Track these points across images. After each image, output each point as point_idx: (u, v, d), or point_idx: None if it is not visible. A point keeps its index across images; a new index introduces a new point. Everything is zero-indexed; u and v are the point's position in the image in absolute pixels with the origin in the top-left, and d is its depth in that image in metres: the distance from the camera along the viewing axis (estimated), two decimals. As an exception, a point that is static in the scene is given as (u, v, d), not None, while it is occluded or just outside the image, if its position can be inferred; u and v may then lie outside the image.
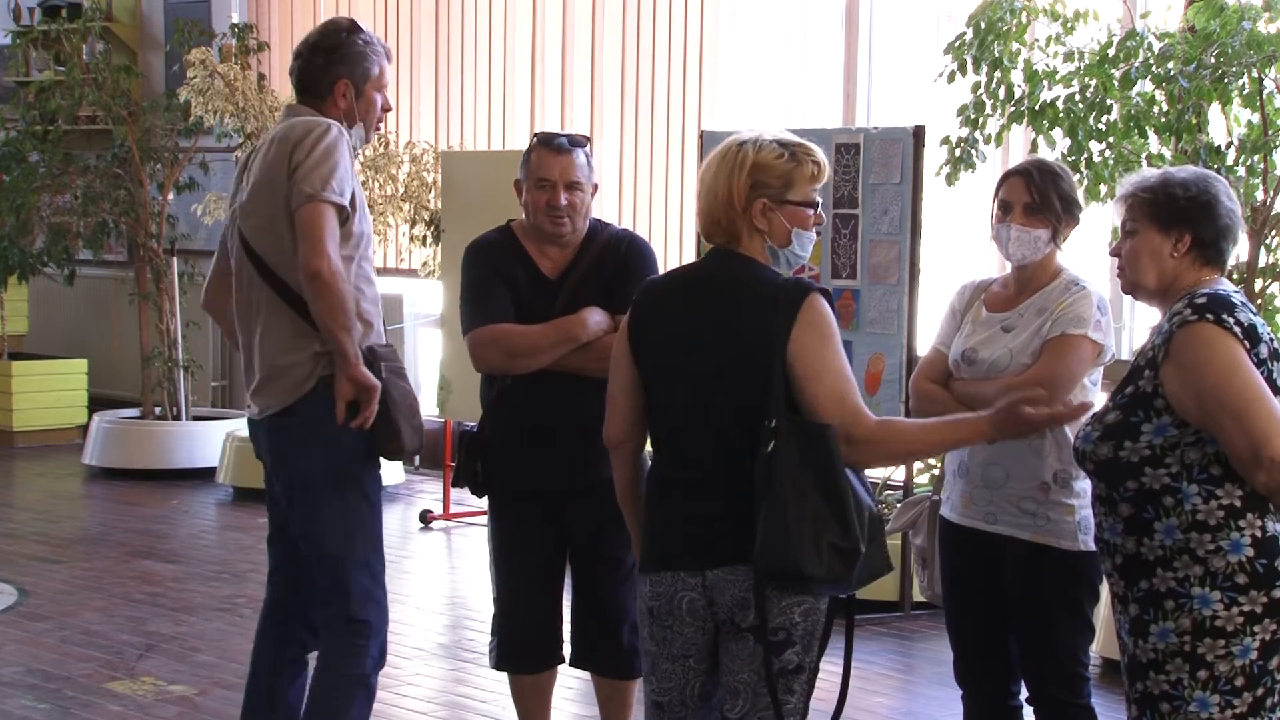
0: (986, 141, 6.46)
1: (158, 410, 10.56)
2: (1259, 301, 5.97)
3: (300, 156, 4.24)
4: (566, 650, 4.81)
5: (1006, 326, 4.21)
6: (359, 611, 4.43)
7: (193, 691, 6.01)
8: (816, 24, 9.27)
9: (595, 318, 4.49)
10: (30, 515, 9.36)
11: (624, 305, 4.34)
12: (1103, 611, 5.31)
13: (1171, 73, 5.92)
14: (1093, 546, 3.83)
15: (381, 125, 4.63)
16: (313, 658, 4.59)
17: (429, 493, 9.63)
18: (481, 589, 7.85)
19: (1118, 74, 6.06)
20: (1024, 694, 4.29)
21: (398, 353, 4.59)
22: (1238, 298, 3.50)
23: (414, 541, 8.65)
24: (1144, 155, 6.05)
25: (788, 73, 9.50)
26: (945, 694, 5.71)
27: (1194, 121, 5.95)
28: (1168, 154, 6.03)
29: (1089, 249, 6.01)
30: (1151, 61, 6.01)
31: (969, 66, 6.41)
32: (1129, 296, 3.80)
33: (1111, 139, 6.10)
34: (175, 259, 10.51)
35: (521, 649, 4.74)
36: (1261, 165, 5.96)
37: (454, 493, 9.17)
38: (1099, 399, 4.09)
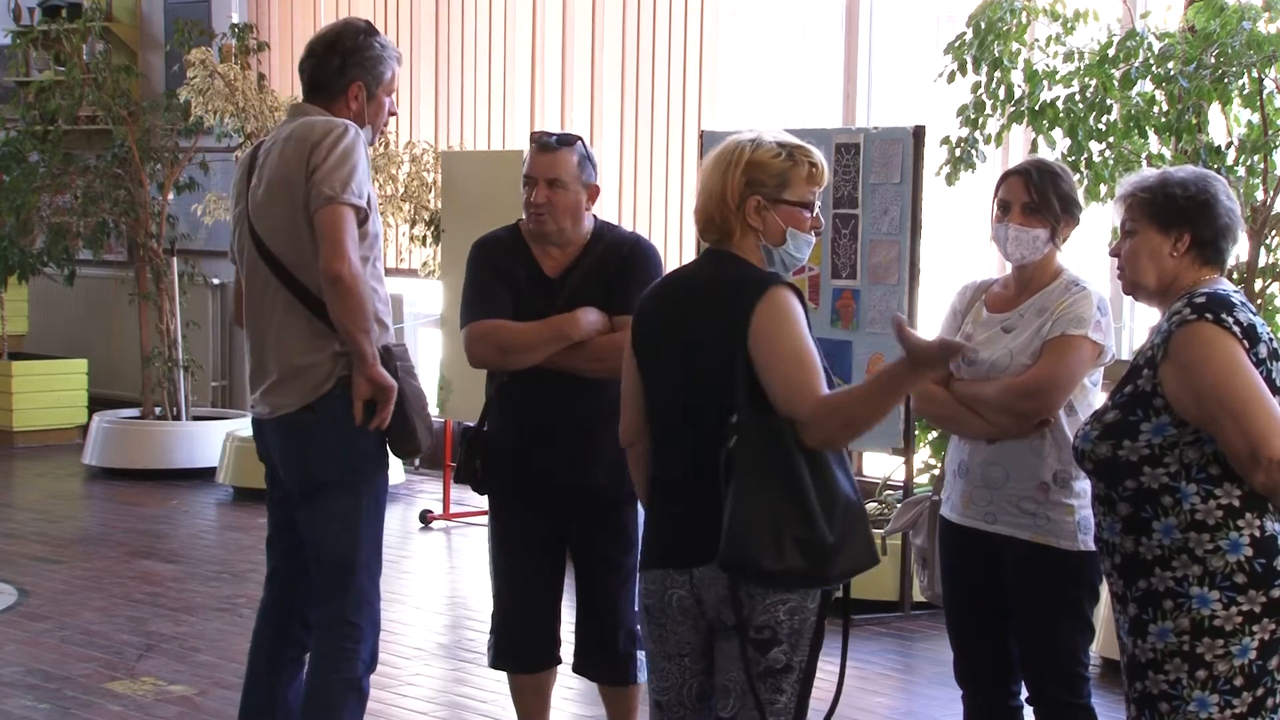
0: (986, 141, 6.46)
1: (158, 410, 10.56)
2: (1259, 301, 5.97)
3: (319, 158, 4.23)
4: (569, 651, 4.81)
5: (1007, 327, 4.21)
6: (353, 614, 4.43)
7: (193, 691, 6.01)
8: (816, 24, 9.27)
9: (589, 317, 4.49)
10: (30, 515, 9.36)
11: (623, 306, 4.36)
12: (1103, 611, 5.31)
13: (1171, 73, 5.93)
14: (1093, 546, 3.84)
15: (386, 128, 4.63)
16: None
17: (429, 493, 9.63)
18: (481, 589, 7.85)
19: (1118, 74, 6.06)
20: (1024, 694, 4.29)
21: (408, 352, 4.60)
22: (1237, 297, 3.50)
23: (414, 541, 8.65)
24: (1144, 155, 6.05)
25: (788, 73, 9.50)
26: (945, 694, 5.71)
27: (1194, 121, 5.95)
28: (1168, 154, 6.03)
29: (1089, 249, 6.01)
30: (1151, 61, 6.01)
31: (969, 66, 6.41)
32: (1129, 296, 3.80)
33: (1111, 139, 6.10)
34: (175, 259, 10.51)
35: (518, 648, 4.74)
36: (1261, 165, 5.96)
37: (454, 493, 9.17)
38: (1099, 399, 4.09)
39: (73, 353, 11.90)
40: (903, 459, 7.11)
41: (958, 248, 8.23)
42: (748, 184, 3.52)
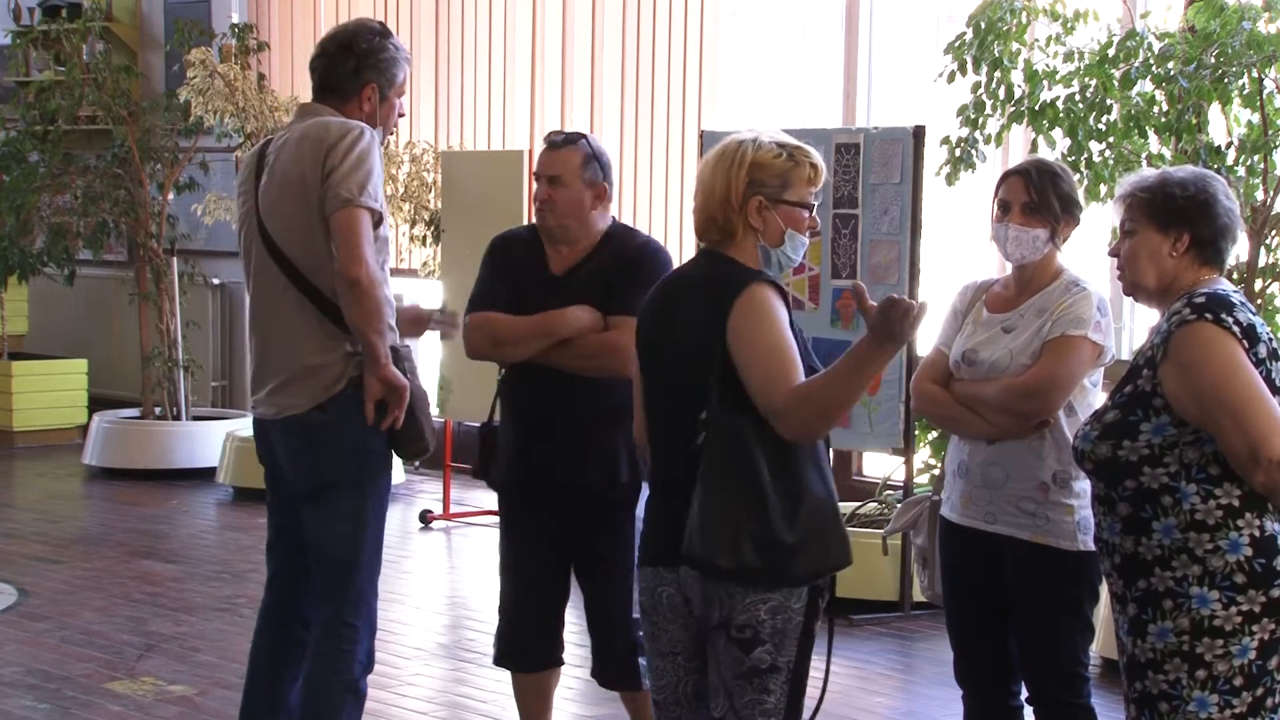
0: (986, 141, 6.46)
1: (158, 410, 10.56)
2: (1259, 301, 5.97)
3: (335, 160, 4.23)
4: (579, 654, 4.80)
5: (1007, 327, 4.21)
6: (351, 615, 4.43)
7: (193, 691, 6.01)
8: (816, 24, 9.27)
9: (579, 314, 4.49)
10: (30, 515, 9.36)
11: (620, 306, 4.36)
12: (1103, 611, 5.31)
13: (1171, 73, 5.93)
14: (1092, 546, 3.83)
15: (395, 129, 4.63)
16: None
17: (429, 493, 9.63)
18: (481, 589, 7.86)
19: (1118, 74, 6.06)
20: (1024, 694, 4.29)
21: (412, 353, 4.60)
22: (1236, 297, 3.50)
23: (414, 541, 8.65)
24: (1144, 155, 6.05)
25: (788, 73, 9.50)
26: (945, 694, 5.71)
27: (1194, 121, 5.95)
28: (1168, 154, 6.03)
29: (1089, 249, 6.01)
30: (1151, 61, 6.01)
31: (969, 66, 6.41)
32: (1128, 297, 3.80)
33: (1111, 139, 6.10)
34: (175, 259, 10.51)
35: (520, 647, 4.74)
36: (1261, 165, 5.96)
37: (454, 493, 9.18)
38: (1099, 400, 4.09)
39: (73, 353, 11.90)
40: (903, 459, 7.11)
41: (958, 248, 8.23)
42: (750, 184, 3.53)
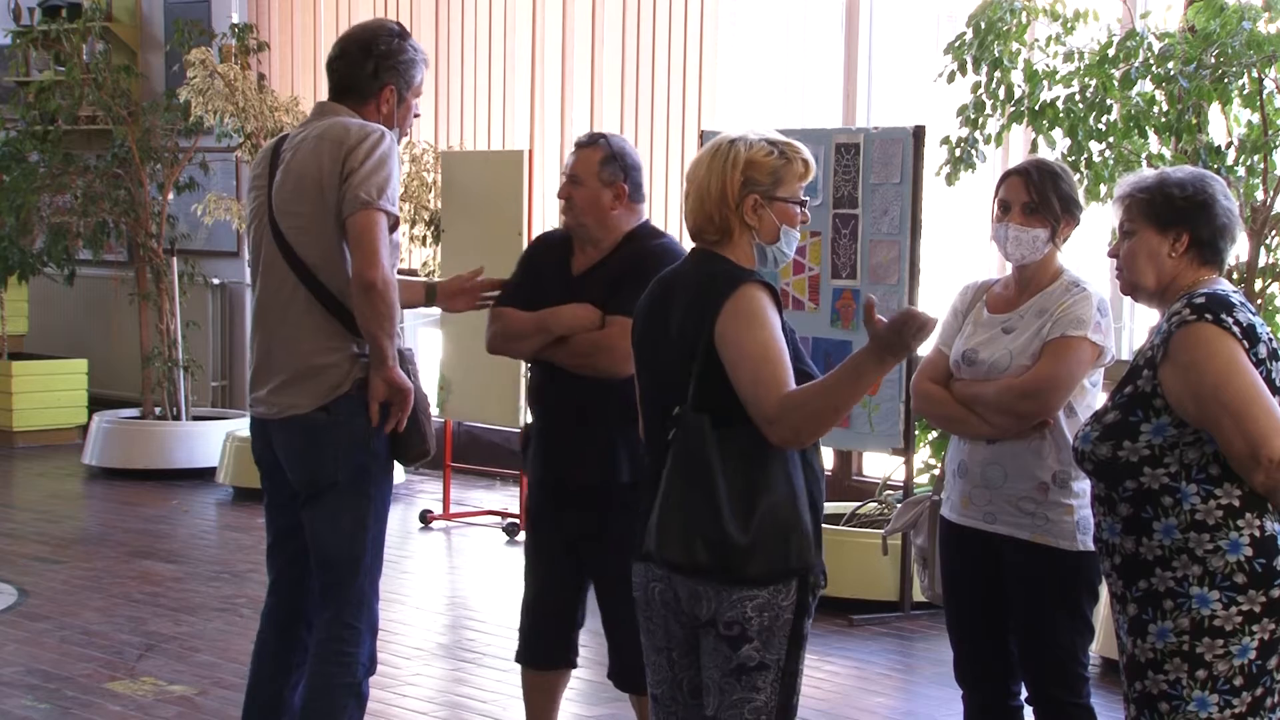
0: (986, 141, 6.46)
1: (158, 410, 10.56)
2: (1259, 301, 5.97)
3: (355, 162, 4.23)
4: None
5: (1007, 328, 4.21)
6: (354, 617, 4.42)
7: (193, 691, 6.01)
8: (816, 24, 9.27)
9: (576, 312, 4.51)
10: (30, 515, 9.36)
11: (618, 306, 4.37)
12: (1102, 611, 5.31)
13: (1171, 73, 5.93)
14: (1091, 546, 3.84)
15: (410, 131, 4.64)
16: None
17: (429, 493, 9.63)
18: (481, 589, 7.86)
19: (1118, 74, 6.06)
20: (1024, 694, 4.29)
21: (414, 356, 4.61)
22: (1236, 297, 3.50)
23: (414, 541, 8.64)
24: (1144, 155, 6.05)
25: (788, 73, 9.50)
26: (945, 694, 5.71)
27: (1194, 121, 5.95)
28: (1168, 154, 6.03)
29: (1089, 249, 6.01)
30: (1151, 61, 6.01)
31: (969, 66, 6.41)
32: (1128, 297, 3.81)
33: (1111, 139, 6.10)
34: (175, 259, 10.51)
35: (530, 644, 4.78)
36: (1261, 165, 5.96)
37: (454, 493, 9.18)
38: (1099, 400, 4.09)
39: (73, 353, 11.90)
40: (903, 459, 7.11)
41: (958, 248, 8.23)
42: (745, 183, 3.54)
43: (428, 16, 10.53)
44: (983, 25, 6.32)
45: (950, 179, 6.54)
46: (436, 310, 8.27)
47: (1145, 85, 6.09)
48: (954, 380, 4.25)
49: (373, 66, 4.41)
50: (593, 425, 4.49)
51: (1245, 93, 5.90)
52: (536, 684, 4.82)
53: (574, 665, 4.82)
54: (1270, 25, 5.89)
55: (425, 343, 10.20)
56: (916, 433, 7.09)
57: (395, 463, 4.55)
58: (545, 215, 9.60)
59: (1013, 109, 6.35)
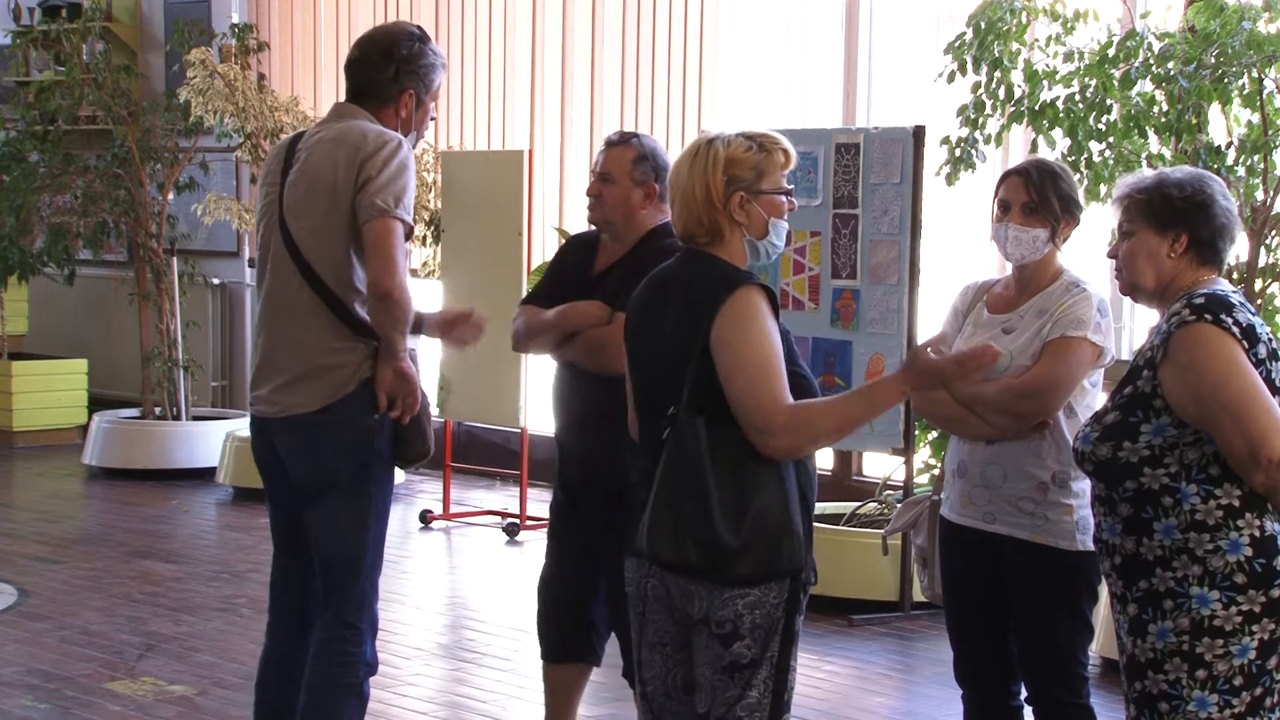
0: (986, 141, 6.46)
1: (158, 410, 10.56)
2: (1259, 301, 5.97)
3: (373, 170, 4.24)
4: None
5: (1007, 328, 4.21)
6: (355, 617, 4.42)
7: (193, 691, 6.01)
8: (816, 24, 9.28)
9: (586, 309, 4.55)
10: (30, 515, 9.36)
11: (623, 304, 4.38)
12: (1102, 611, 5.31)
13: (1171, 73, 5.93)
14: (1091, 546, 3.84)
15: (425, 133, 4.65)
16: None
17: (429, 493, 9.63)
18: (481, 589, 7.86)
19: (1118, 74, 6.06)
20: (1024, 694, 4.29)
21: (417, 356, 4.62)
22: (1236, 298, 3.50)
23: (414, 541, 8.64)
24: (1144, 155, 6.05)
25: (788, 73, 9.50)
26: (945, 694, 5.71)
27: (1194, 121, 5.95)
28: (1168, 154, 6.03)
29: (1089, 249, 6.01)
30: (1151, 61, 6.01)
31: (969, 66, 6.41)
32: (1127, 297, 3.81)
33: (1111, 139, 6.10)
34: (175, 259, 10.51)
35: (543, 636, 4.84)
36: (1261, 165, 5.96)
37: (454, 493, 9.18)
38: (1099, 401, 4.09)
39: (73, 353, 11.90)
40: (903, 459, 7.11)
41: (958, 248, 8.23)
42: (729, 182, 3.55)
43: (428, 16, 10.52)
44: (983, 25, 6.32)
45: (950, 179, 6.54)
46: (436, 310, 8.26)
47: (1145, 85, 6.09)
48: (954, 380, 4.25)
49: (393, 71, 4.41)
50: (609, 426, 4.50)
51: (1245, 93, 5.90)
52: (553, 679, 4.86)
53: (592, 663, 4.85)
54: (1270, 25, 5.89)
55: (425, 343, 10.21)
56: (916, 433, 7.09)
57: (409, 466, 4.56)
58: (545, 215, 9.61)
59: (1013, 109, 6.35)
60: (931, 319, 6.19)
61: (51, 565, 7.96)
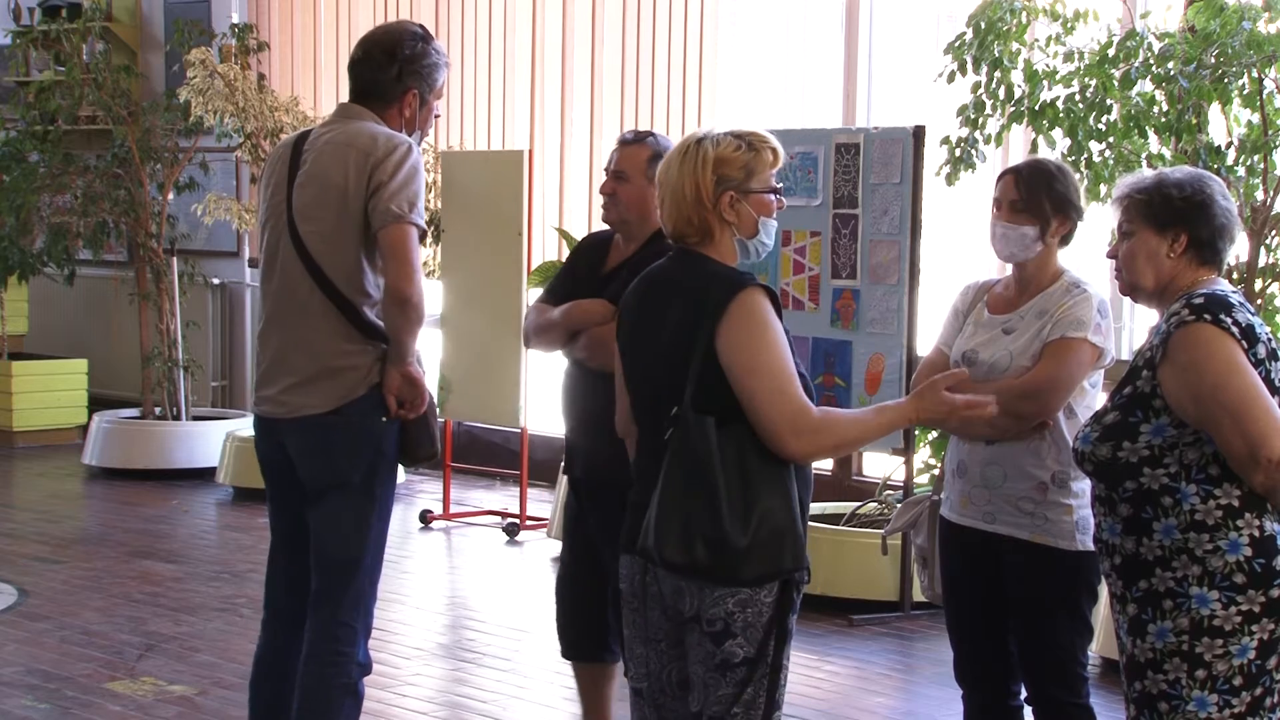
0: (986, 142, 6.46)
1: (158, 410, 10.56)
2: (1259, 301, 5.97)
3: (385, 175, 4.25)
4: None
5: (1007, 328, 4.21)
6: (351, 616, 4.42)
7: (193, 691, 6.01)
8: (816, 24, 9.28)
9: (590, 308, 4.57)
10: (30, 515, 9.36)
11: None
12: (1102, 611, 5.31)
13: (1171, 73, 5.93)
14: (1091, 546, 3.84)
15: (429, 132, 4.66)
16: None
17: (429, 493, 9.63)
18: (481, 589, 7.86)
19: (1118, 74, 6.06)
20: (1024, 694, 4.29)
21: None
22: (1235, 298, 3.50)
23: (414, 541, 8.64)
24: (1144, 155, 6.05)
25: (788, 73, 9.51)
26: (945, 694, 5.71)
27: (1194, 121, 5.95)
28: (1168, 154, 6.03)
29: (1089, 250, 6.01)
30: (1151, 61, 6.01)
31: (969, 66, 6.41)
32: (1127, 298, 3.81)
33: (1111, 139, 6.10)
34: (175, 259, 10.51)
35: (564, 638, 4.89)
36: (1261, 165, 5.96)
37: (454, 493, 9.18)
38: (1099, 401, 4.09)
39: (73, 353, 11.90)
40: (903, 459, 7.11)
41: (958, 248, 8.23)
42: (718, 181, 3.55)
43: (428, 16, 10.52)
44: (983, 25, 6.32)
45: (950, 179, 6.54)
46: (436, 310, 8.27)
47: (1145, 85, 6.09)
48: (954, 380, 4.25)
49: (396, 70, 4.42)
50: (600, 422, 4.51)
51: (1245, 93, 5.90)
52: (578, 677, 4.94)
53: (611, 661, 4.88)
54: (1270, 25, 5.89)
55: (426, 343, 10.22)
56: (916, 433, 7.09)
57: (416, 465, 4.59)
58: (545, 215, 9.61)
59: (1013, 109, 6.36)
60: (931, 319, 6.19)
61: (51, 565, 7.96)
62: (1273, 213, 5.98)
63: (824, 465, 8.22)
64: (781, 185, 3.67)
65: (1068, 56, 6.24)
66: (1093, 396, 4.20)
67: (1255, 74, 5.84)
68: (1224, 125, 6.08)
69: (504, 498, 9.48)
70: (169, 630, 6.82)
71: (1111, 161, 6.07)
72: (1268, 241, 6.03)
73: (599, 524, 4.65)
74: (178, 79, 10.17)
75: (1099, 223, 6.00)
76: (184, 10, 11.36)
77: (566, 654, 4.93)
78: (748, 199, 3.58)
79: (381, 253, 4.28)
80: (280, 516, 4.59)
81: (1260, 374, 3.40)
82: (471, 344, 8.54)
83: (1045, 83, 6.27)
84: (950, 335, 4.34)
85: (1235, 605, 3.40)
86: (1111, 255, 3.68)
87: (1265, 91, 5.87)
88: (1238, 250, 4.49)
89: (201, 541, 8.73)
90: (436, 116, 4.59)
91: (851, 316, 7.10)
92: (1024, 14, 6.31)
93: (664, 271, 3.68)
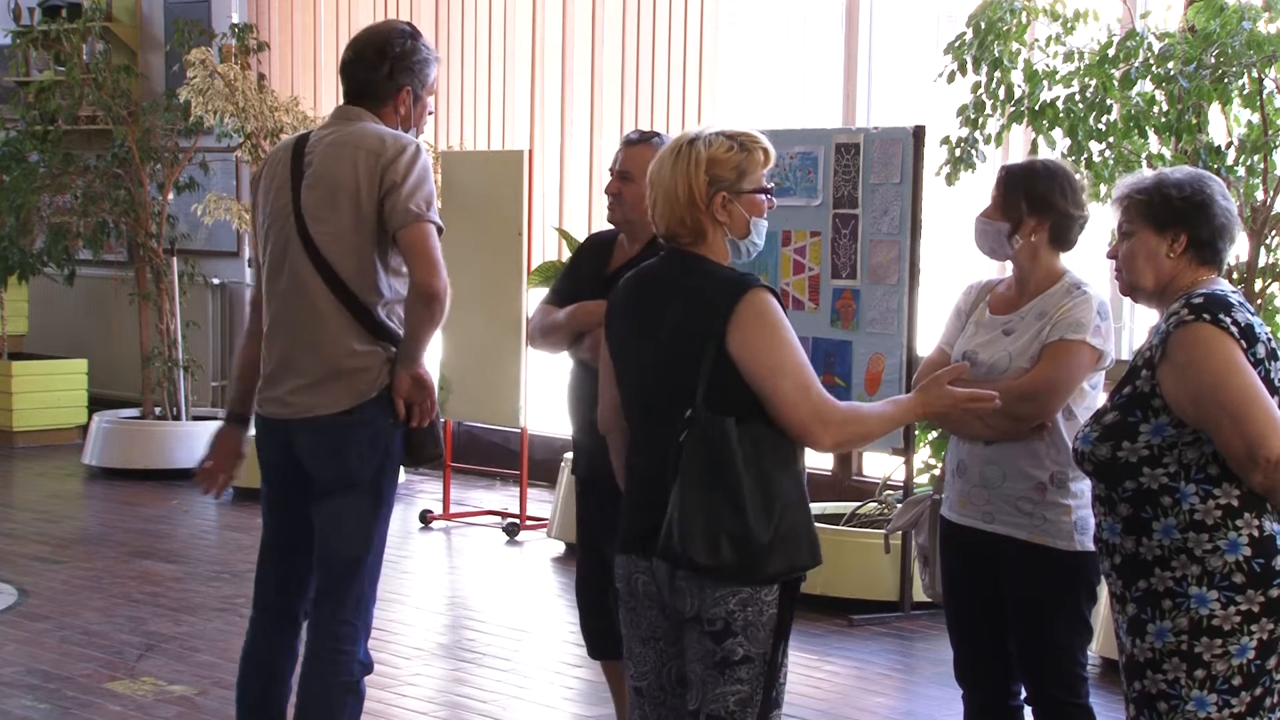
0: (986, 142, 6.46)
1: (158, 410, 10.56)
2: (1259, 301, 5.97)
3: (397, 176, 4.27)
4: None
5: (1007, 329, 4.20)
6: (352, 615, 4.42)
7: (193, 691, 6.01)
8: (816, 24, 9.28)
9: (590, 308, 4.57)
10: (30, 515, 9.36)
11: None
12: (1102, 611, 5.31)
13: (1171, 73, 5.93)
14: (1090, 546, 3.84)
15: (423, 129, 4.67)
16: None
17: (429, 493, 9.63)
18: (481, 589, 7.86)
19: (1118, 74, 6.07)
20: (1024, 694, 4.29)
21: None
22: (1235, 297, 3.50)
23: (414, 541, 8.64)
24: (1144, 155, 6.05)
25: (788, 73, 9.50)
26: (945, 694, 5.71)
27: (1194, 121, 5.95)
28: (1168, 154, 6.03)
29: (1089, 250, 6.01)
30: (1151, 61, 6.01)
31: (969, 66, 6.41)
32: (1127, 298, 3.81)
33: (1111, 139, 6.10)
34: (175, 259, 10.51)
35: (587, 637, 4.91)
36: (1261, 165, 5.96)
37: (454, 493, 9.18)
38: (1099, 402, 4.08)
39: (73, 353, 11.90)
40: (903, 459, 7.11)
41: (958, 248, 8.22)
42: (711, 182, 3.56)
43: (428, 16, 10.52)
44: (983, 25, 6.32)
45: (950, 179, 6.55)
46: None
47: (1145, 85, 6.09)
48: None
49: (388, 69, 4.44)
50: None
51: (1245, 93, 5.90)
52: (610, 675, 4.95)
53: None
54: (1270, 25, 5.89)
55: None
56: (916, 433, 7.09)
57: (421, 465, 4.60)
58: (545, 215, 9.61)
59: (1013, 109, 6.36)
60: (931, 319, 6.19)
61: (51, 565, 7.96)
62: (1273, 213, 5.98)
63: (824, 465, 8.22)
64: (773, 185, 3.68)
65: (1068, 56, 6.24)
66: (1092, 397, 4.19)
67: (1255, 74, 5.84)
68: (1224, 125, 6.08)
69: (504, 498, 9.48)
70: (169, 630, 6.82)
71: (1111, 161, 6.07)
72: (1268, 241, 6.03)
73: (603, 524, 4.65)
74: (178, 79, 10.17)
75: (1099, 223, 6.01)
76: (184, 10, 11.36)
77: (594, 654, 4.94)
78: (740, 199, 3.59)
79: (403, 252, 4.31)
80: (276, 516, 4.58)
81: (1260, 374, 3.40)
82: (471, 344, 8.54)
83: (1045, 83, 6.27)
84: (952, 335, 4.34)
85: (1234, 605, 3.40)
86: (1111, 255, 3.69)
87: (1265, 91, 5.87)
88: (1238, 250, 4.49)
89: (201, 541, 8.73)
90: (431, 113, 4.61)
91: (851, 316, 7.10)
92: (1024, 14, 6.31)
93: (657, 271, 3.68)
